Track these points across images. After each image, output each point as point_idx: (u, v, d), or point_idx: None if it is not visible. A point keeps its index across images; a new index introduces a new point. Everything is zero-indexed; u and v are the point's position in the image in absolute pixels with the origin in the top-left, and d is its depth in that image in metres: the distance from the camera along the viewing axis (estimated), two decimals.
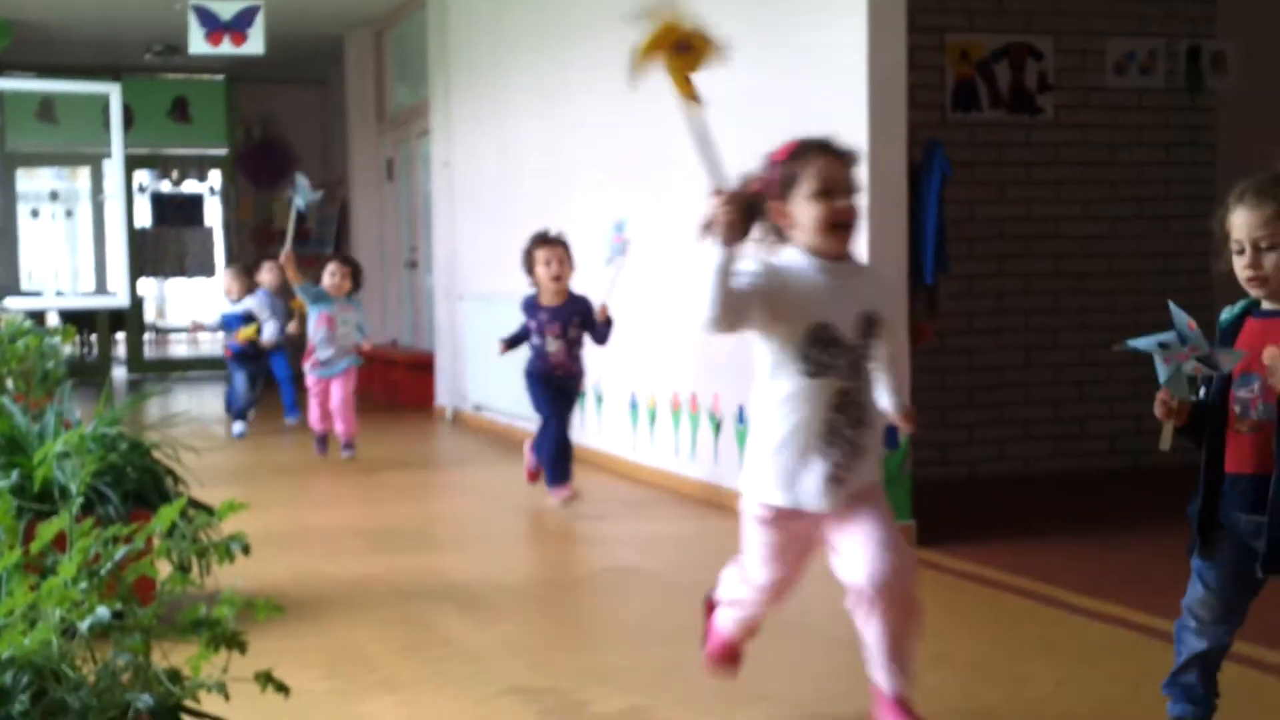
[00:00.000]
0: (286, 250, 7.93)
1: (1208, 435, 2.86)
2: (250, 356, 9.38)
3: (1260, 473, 2.78)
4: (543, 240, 6.23)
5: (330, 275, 8.04)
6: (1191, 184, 7.21)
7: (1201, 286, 7.19)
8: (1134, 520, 5.78)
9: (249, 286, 9.54)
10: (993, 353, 6.99)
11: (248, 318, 9.34)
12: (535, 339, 6.26)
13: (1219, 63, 7.24)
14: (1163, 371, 2.79)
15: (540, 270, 6.16)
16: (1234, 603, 2.93)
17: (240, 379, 9.34)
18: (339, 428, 7.92)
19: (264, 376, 9.59)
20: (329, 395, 7.97)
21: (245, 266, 9.98)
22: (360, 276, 8.20)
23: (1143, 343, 2.79)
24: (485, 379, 9.39)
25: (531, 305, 6.28)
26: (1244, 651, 3.08)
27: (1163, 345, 2.77)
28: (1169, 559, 4.75)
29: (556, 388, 6.28)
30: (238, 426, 9.32)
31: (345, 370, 7.94)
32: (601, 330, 6.27)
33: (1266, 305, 2.86)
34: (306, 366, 8.04)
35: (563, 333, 6.21)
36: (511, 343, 6.49)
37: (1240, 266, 2.83)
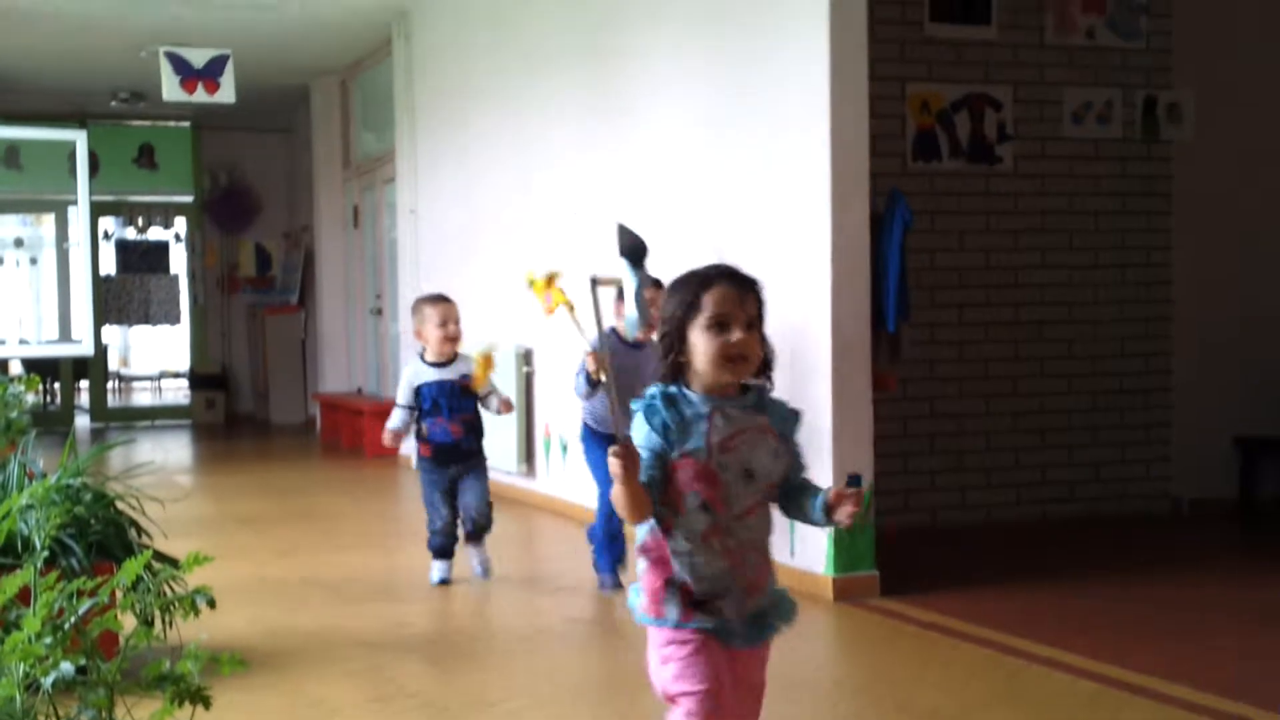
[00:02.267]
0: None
1: None
2: (456, 455, 5.76)
3: None
4: None
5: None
6: (1147, 233, 7.31)
7: (1158, 334, 7.30)
8: (1092, 568, 5.80)
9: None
10: (954, 400, 7.04)
11: (463, 389, 5.75)
12: None
13: (1174, 113, 7.35)
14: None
15: None
16: None
17: (434, 492, 5.77)
18: None
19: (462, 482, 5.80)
20: None
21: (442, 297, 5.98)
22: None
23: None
24: None
25: None
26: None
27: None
28: (1128, 607, 4.78)
29: None
30: (438, 569, 5.79)
31: None
32: None
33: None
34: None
35: None
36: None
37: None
